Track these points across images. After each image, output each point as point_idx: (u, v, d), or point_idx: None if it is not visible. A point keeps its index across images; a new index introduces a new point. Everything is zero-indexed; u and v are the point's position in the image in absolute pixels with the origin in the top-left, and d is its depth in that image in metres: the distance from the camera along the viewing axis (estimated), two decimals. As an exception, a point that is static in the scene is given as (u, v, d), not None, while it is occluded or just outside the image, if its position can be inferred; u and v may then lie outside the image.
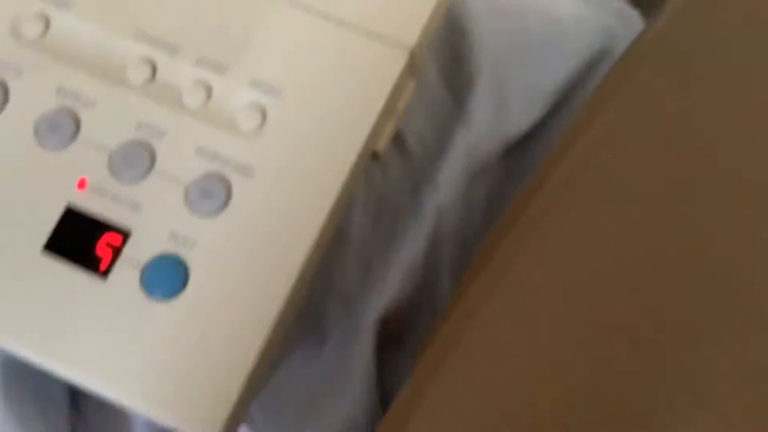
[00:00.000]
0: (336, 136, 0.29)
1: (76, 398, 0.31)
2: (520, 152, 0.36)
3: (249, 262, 0.28)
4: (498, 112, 0.36)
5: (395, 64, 0.29)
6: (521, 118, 0.36)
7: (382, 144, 0.31)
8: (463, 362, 0.26)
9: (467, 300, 0.28)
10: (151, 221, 0.28)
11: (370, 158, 0.31)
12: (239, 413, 0.27)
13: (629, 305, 0.26)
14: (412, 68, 0.30)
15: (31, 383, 0.30)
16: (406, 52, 0.29)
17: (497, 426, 0.24)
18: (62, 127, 0.28)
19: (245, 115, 0.29)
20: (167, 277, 0.27)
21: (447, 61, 0.37)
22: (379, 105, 0.29)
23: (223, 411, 0.26)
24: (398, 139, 0.35)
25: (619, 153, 0.30)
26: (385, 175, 0.35)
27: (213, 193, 0.28)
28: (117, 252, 0.28)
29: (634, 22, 0.42)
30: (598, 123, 0.31)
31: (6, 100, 0.29)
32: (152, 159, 0.28)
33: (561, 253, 0.28)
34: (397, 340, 0.33)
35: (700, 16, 0.32)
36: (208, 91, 0.29)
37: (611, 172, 0.29)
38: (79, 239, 0.28)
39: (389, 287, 0.33)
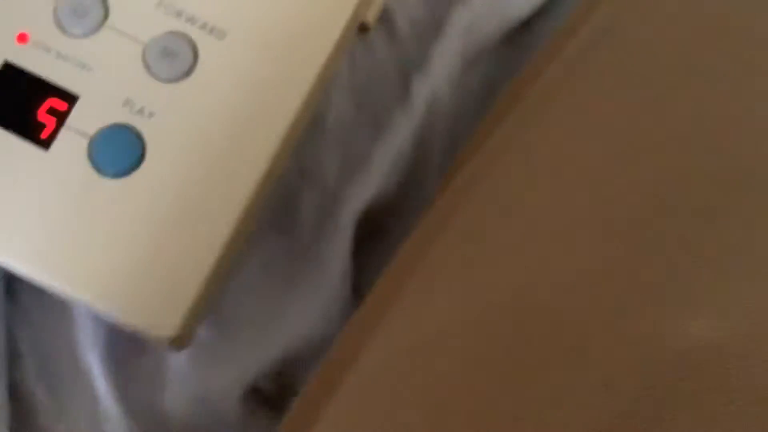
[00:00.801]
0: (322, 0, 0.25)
1: (12, 286, 0.27)
2: (518, 39, 0.33)
3: (215, 138, 0.24)
4: (499, -6, 0.32)
5: None
6: (519, 3, 0.33)
7: (372, 15, 0.27)
8: (446, 250, 0.22)
9: (457, 183, 0.25)
10: (103, 85, 0.24)
11: (358, 32, 0.27)
12: (199, 311, 0.24)
13: (633, 185, 0.22)
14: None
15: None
16: None
17: (482, 316, 0.21)
18: (-2, -31, 0.24)
19: (217, -35, 0.25)
20: (119, 150, 0.24)
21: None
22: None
23: (181, 307, 0.23)
24: (386, 18, 0.31)
25: (627, 33, 0.26)
26: (371, 57, 0.31)
27: (176, 54, 0.24)
28: (61, 119, 0.24)
29: None
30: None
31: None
32: (105, 10, 0.24)
33: (566, 134, 0.24)
34: (376, 236, 0.29)
35: None
36: (174, -65, 0.25)
37: (620, 52, 0.26)
38: (18, 102, 0.24)
39: (372, 180, 0.29)
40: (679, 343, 0.17)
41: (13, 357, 0.27)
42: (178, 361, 0.27)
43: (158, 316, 0.23)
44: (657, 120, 0.24)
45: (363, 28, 0.27)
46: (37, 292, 0.27)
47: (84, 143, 0.24)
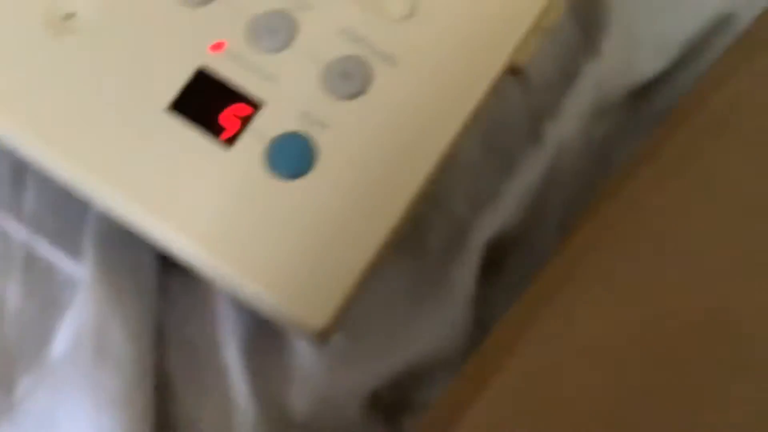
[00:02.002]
0: (485, 38, 0.27)
1: (164, 282, 0.30)
2: (644, 98, 0.35)
3: (380, 153, 0.26)
4: (628, 53, 0.34)
5: (556, -26, 0.28)
6: (649, 62, 0.35)
7: (524, 59, 0.29)
8: (576, 294, 0.24)
9: (588, 232, 0.27)
10: (285, 96, 0.26)
11: (509, 74, 0.29)
12: (345, 309, 0.26)
13: None
14: (568, -17, 0.29)
15: (124, 252, 0.29)
16: (570, -38, 0.28)
17: (633, 334, 0.22)
18: (202, -17, 0.27)
19: (395, 1, 0.27)
20: (294, 155, 0.26)
21: (579, -2, 0.35)
22: (532, 14, 0.28)
23: (333, 301, 0.25)
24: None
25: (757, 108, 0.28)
26: (502, 102, 0.33)
27: (352, 75, 0.26)
28: (245, 122, 0.26)
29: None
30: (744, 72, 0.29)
31: (145, -50, 0.27)
32: (294, 31, 0.27)
33: (698, 199, 0.26)
34: (499, 266, 0.31)
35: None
36: (360, -29, 0.27)
37: (752, 123, 0.28)
38: (208, 103, 0.26)
39: (500, 213, 0.31)
40: None
41: (159, 342, 0.29)
42: (307, 361, 0.29)
43: (313, 307, 0.25)
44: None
45: (513, 72, 0.29)
46: (185, 285, 0.30)
47: (263, 146, 0.26)
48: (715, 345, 0.22)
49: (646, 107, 0.35)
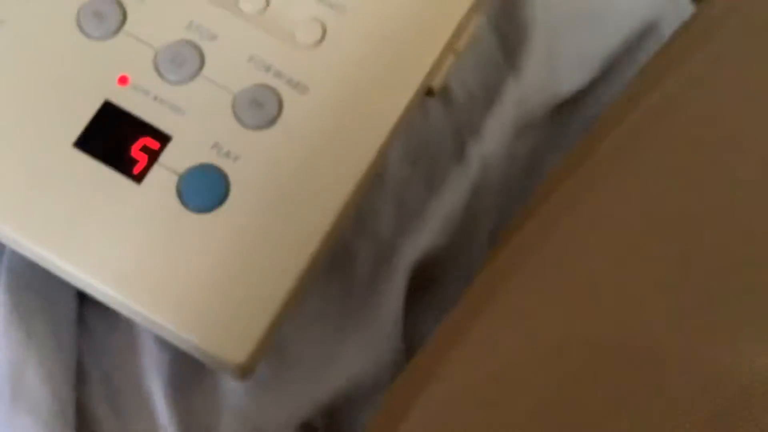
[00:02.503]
0: (397, 63, 0.27)
1: (84, 316, 0.29)
2: (567, 112, 0.35)
3: (293, 183, 0.26)
4: (549, 70, 0.35)
5: (467, -6, 0.28)
6: (571, 78, 0.35)
7: (440, 80, 0.29)
8: (512, 296, 0.24)
9: (508, 252, 0.27)
10: (194, 128, 0.26)
11: (425, 95, 0.29)
12: (267, 342, 0.25)
13: (696, 244, 0.24)
14: (478, 4, 0.29)
15: (39, 290, 0.28)
16: (480, -18, 0.28)
17: (552, 353, 0.22)
18: (107, 16, 0.26)
19: (304, 27, 0.27)
20: (206, 188, 0.26)
21: (499, 15, 0.35)
22: (445, 35, 0.28)
23: (252, 336, 0.25)
24: (443, 89, 0.33)
25: (673, 122, 0.29)
26: (427, 122, 0.33)
27: (263, 105, 0.26)
28: (154, 156, 0.26)
29: (680, 3, 0.41)
30: (654, 95, 0.30)
31: (49, -19, 0.27)
32: (201, 61, 0.26)
33: (612, 212, 0.27)
34: (428, 289, 0.31)
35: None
36: (267, -2, 0.27)
37: (664, 142, 0.28)
38: (115, 138, 0.26)
39: (427, 233, 0.31)
40: (744, 377, 0.19)
41: (80, 377, 0.28)
42: (234, 393, 0.29)
43: (231, 342, 0.25)
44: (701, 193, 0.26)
45: (429, 93, 0.29)
46: (105, 317, 0.29)
47: (174, 180, 0.26)
48: (618, 368, 0.22)
49: (569, 121, 0.35)
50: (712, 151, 0.27)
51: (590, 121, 0.32)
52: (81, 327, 0.29)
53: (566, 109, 0.35)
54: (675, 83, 0.30)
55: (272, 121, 0.26)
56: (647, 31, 0.39)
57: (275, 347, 0.29)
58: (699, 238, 0.25)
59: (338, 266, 0.30)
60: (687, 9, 0.41)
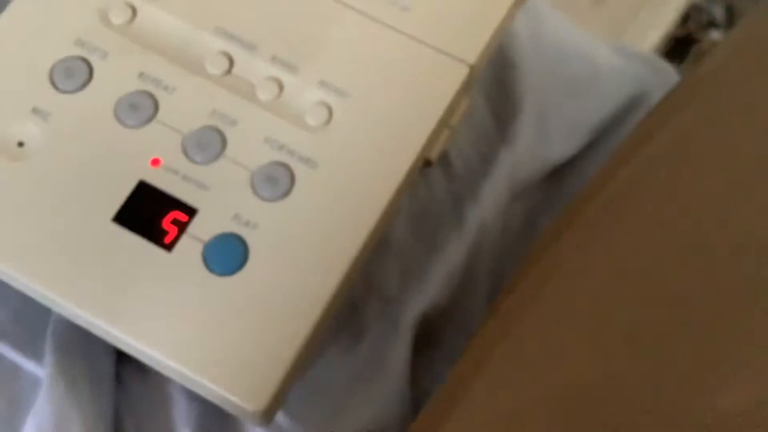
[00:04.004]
0: (395, 139, 0.31)
1: (120, 372, 0.32)
2: (557, 179, 0.38)
3: (306, 248, 0.29)
4: (540, 140, 0.38)
5: (456, 77, 0.31)
6: (561, 147, 0.38)
7: (435, 153, 0.32)
8: (510, 350, 0.27)
9: (508, 307, 0.30)
10: (217, 202, 0.30)
11: (423, 166, 0.32)
12: (284, 390, 0.28)
13: (657, 299, 0.27)
14: (469, 84, 0.32)
15: (81, 350, 0.31)
16: (467, 68, 0.31)
17: (546, 401, 0.25)
18: (141, 107, 0.30)
19: (313, 111, 0.31)
20: (228, 254, 0.29)
21: (493, 89, 0.39)
22: (437, 114, 0.31)
23: (270, 385, 0.28)
24: (443, 158, 0.37)
25: (655, 184, 0.32)
26: (429, 189, 0.37)
27: (277, 180, 0.30)
28: (182, 228, 0.29)
29: (667, 73, 0.45)
30: (640, 156, 0.33)
31: (90, 78, 0.31)
32: (223, 144, 0.30)
33: (591, 273, 0.30)
34: (431, 344, 0.34)
35: (740, 71, 0.35)
36: (280, 87, 0.31)
37: (653, 194, 0.31)
38: (148, 213, 0.29)
39: (429, 291, 0.34)
40: (708, 416, 0.22)
41: (117, 428, 0.32)
42: (256, 440, 0.32)
43: (252, 391, 0.28)
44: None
45: (426, 164, 0.33)
46: (140, 373, 0.32)
47: (200, 247, 0.29)
48: (599, 411, 0.25)
49: (560, 187, 0.38)
50: (688, 214, 0.30)
51: (581, 186, 0.36)
52: (117, 382, 0.32)
53: (558, 176, 0.39)
54: (656, 147, 0.33)
55: (286, 194, 0.30)
56: (635, 101, 0.42)
57: (291, 400, 0.32)
58: (666, 292, 0.28)
59: (347, 322, 0.33)
60: (675, 80, 0.45)
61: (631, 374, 0.26)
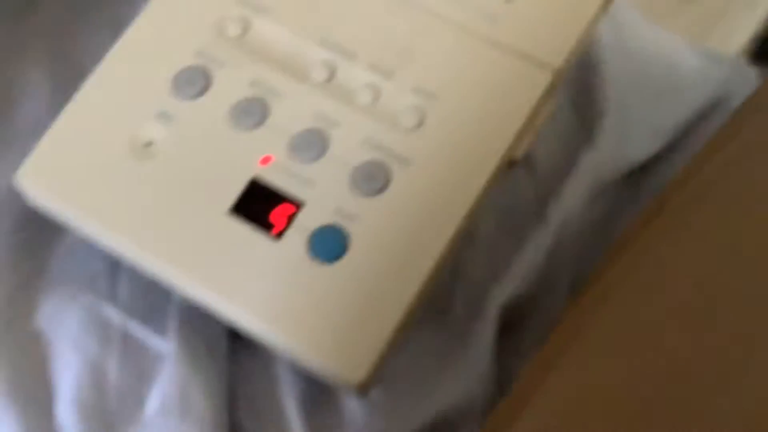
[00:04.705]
0: (482, 140, 0.33)
1: (233, 349, 0.36)
2: (638, 180, 0.40)
3: (400, 239, 0.32)
4: (622, 141, 0.40)
5: (540, 82, 0.34)
6: (642, 148, 0.40)
7: (520, 153, 0.35)
8: (579, 354, 0.30)
9: (588, 300, 0.32)
10: (321, 196, 0.33)
11: (508, 166, 0.35)
12: (381, 365, 0.31)
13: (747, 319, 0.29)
14: (552, 89, 0.35)
15: (201, 327, 0.35)
16: (551, 73, 0.34)
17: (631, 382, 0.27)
18: (253, 112, 0.34)
19: (406, 114, 0.34)
20: (331, 244, 0.32)
21: (577, 92, 0.41)
22: (522, 118, 0.34)
23: (369, 359, 0.31)
24: (528, 158, 0.39)
25: (734, 185, 0.33)
26: (514, 188, 0.39)
27: (375, 176, 0.33)
28: (290, 219, 0.33)
29: (750, 77, 0.46)
30: (730, 147, 0.34)
31: (209, 86, 0.34)
32: (326, 144, 0.33)
33: (689, 254, 0.31)
34: (515, 331, 0.37)
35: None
36: (377, 92, 0.34)
37: (738, 190, 0.33)
38: (260, 206, 0.33)
39: (513, 281, 0.37)
40: None
41: (231, 400, 0.35)
42: (354, 412, 0.35)
43: (352, 364, 0.31)
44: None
45: (511, 164, 0.35)
46: (251, 350, 0.36)
47: (305, 237, 0.32)
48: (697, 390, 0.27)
49: (641, 186, 0.40)
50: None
51: (660, 187, 0.38)
52: (232, 360, 0.36)
53: (637, 177, 0.41)
54: (735, 148, 0.34)
55: (383, 189, 0.33)
56: (717, 104, 0.44)
57: (386, 376, 0.35)
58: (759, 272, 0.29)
59: (437, 307, 0.36)
60: (755, 83, 0.46)
61: (717, 359, 0.28)
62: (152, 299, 0.36)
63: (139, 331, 0.35)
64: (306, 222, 0.33)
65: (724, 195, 0.33)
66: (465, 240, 0.36)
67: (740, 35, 0.81)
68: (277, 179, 0.33)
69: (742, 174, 0.33)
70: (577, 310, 0.33)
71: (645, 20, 0.46)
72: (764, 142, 0.34)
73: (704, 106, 0.43)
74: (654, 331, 0.29)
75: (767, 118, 0.35)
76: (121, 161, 0.34)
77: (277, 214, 0.33)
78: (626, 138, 0.40)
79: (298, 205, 0.33)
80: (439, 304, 0.36)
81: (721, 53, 0.50)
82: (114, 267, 0.36)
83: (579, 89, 0.41)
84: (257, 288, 0.32)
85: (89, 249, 0.35)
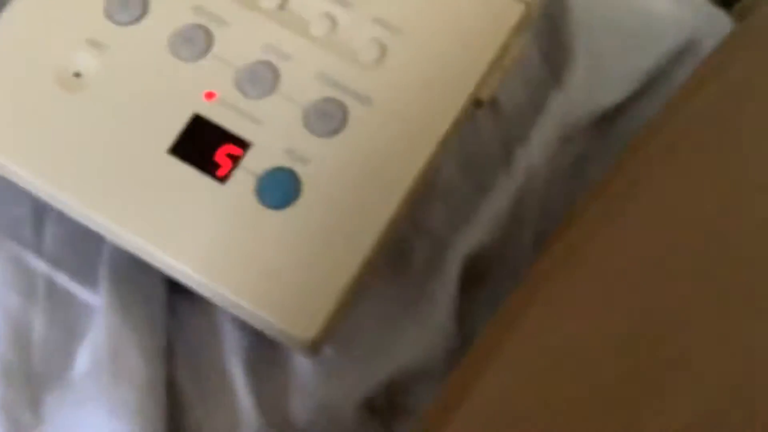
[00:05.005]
0: (448, 77, 0.31)
1: (172, 302, 0.33)
2: (607, 125, 0.38)
3: (357, 184, 0.29)
4: (591, 85, 0.38)
5: (511, 15, 0.31)
6: (612, 92, 0.38)
7: (487, 93, 0.32)
8: (558, 291, 0.27)
9: (555, 252, 0.30)
10: (270, 136, 0.30)
11: (474, 106, 0.32)
12: (333, 322, 0.29)
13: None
14: (524, 24, 0.32)
15: (135, 279, 0.32)
16: (523, 5, 0.31)
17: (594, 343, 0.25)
18: (196, 41, 0.30)
19: (366, 48, 0.31)
20: (281, 188, 0.29)
21: (546, 35, 0.39)
22: (491, 53, 0.31)
23: (320, 315, 0.28)
24: (493, 101, 0.37)
25: (708, 135, 0.31)
26: (477, 132, 0.37)
27: (330, 115, 0.30)
28: (236, 161, 0.30)
29: (720, 21, 0.44)
30: (697, 100, 0.33)
31: (145, 11, 0.31)
32: (276, 79, 0.30)
33: (649, 225, 0.29)
34: (478, 283, 0.34)
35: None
36: (333, 23, 0.31)
37: (708, 144, 0.31)
38: (203, 146, 0.30)
39: (476, 231, 0.34)
40: None
41: (169, 355, 0.32)
42: (304, 372, 0.32)
43: (303, 320, 0.28)
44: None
45: (477, 104, 0.32)
46: (191, 304, 0.33)
47: (252, 181, 0.29)
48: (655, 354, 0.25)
49: (610, 133, 0.38)
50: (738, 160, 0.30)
51: (631, 133, 0.35)
52: (170, 312, 0.33)
53: (607, 121, 0.38)
54: (708, 97, 0.32)
55: (338, 130, 0.30)
56: (688, 48, 0.42)
57: (339, 334, 0.33)
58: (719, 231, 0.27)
59: (395, 260, 0.34)
60: (727, 27, 0.44)
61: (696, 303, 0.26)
62: (81, 247, 0.32)
63: (67, 282, 0.32)
64: (254, 164, 0.30)
65: (688, 152, 0.31)
66: (426, 188, 0.34)
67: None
68: (222, 116, 0.30)
69: (706, 132, 0.31)
70: (540, 267, 0.31)
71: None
72: (727, 99, 0.32)
73: (675, 50, 0.41)
74: (615, 292, 0.27)
75: (731, 75, 0.33)
76: (46, 94, 0.30)
77: (221, 155, 0.30)
78: (596, 83, 0.38)
79: (245, 146, 0.30)
80: (398, 257, 0.34)
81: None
82: (39, 211, 0.33)
83: (547, 31, 0.39)
84: (199, 236, 0.29)
85: (11, 191, 0.31)
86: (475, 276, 0.35)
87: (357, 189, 0.29)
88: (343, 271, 0.29)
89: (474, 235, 0.34)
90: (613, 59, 0.39)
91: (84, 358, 0.31)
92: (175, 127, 0.30)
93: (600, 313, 0.27)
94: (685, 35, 0.42)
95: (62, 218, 0.32)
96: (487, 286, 0.35)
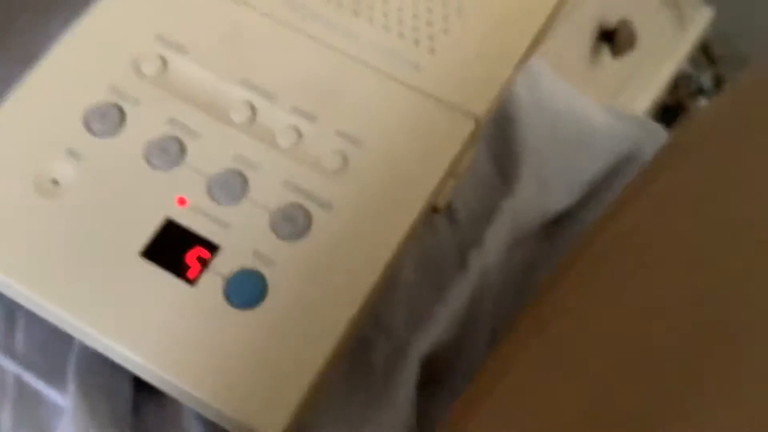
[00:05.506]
0: (406, 186, 0.33)
1: (137, 401, 0.34)
2: (555, 229, 0.40)
3: (321, 285, 0.31)
4: (539, 191, 0.40)
5: (463, 130, 0.34)
6: (559, 198, 0.41)
7: (443, 200, 0.35)
8: (494, 408, 0.29)
9: (503, 354, 0.32)
10: (239, 239, 0.32)
11: (431, 212, 0.35)
12: (298, 418, 0.30)
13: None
14: (475, 136, 0.34)
15: (102, 379, 0.33)
16: (473, 121, 0.34)
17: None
18: (170, 151, 0.32)
19: (329, 158, 0.33)
20: (248, 289, 0.31)
21: (496, 143, 0.41)
22: (445, 164, 0.33)
23: (285, 412, 0.29)
24: (448, 206, 0.39)
25: (656, 224, 0.34)
26: (435, 236, 0.39)
27: (295, 220, 0.32)
28: (205, 263, 0.31)
29: (658, 134, 0.47)
30: (639, 202, 0.35)
31: (122, 124, 0.33)
32: (245, 186, 0.32)
33: (595, 317, 0.31)
34: (436, 380, 0.36)
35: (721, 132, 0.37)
36: (299, 135, 0.33)
37: (647, 242, 0.33)
38: (174, 249, 0.31)
39: (433, 330, 0.36)
40: None
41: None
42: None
43: (268, 417, 0.29)
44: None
45: (434, 210, 0.35)
46: (156, 406, 0.34)
47: (221, 282, 0.31)
48: None
49: (558, 236, 0.41)
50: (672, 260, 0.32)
51: (576, 236, 0.38)
52: (135, 411, 0.34)
53: (555, 226, 0.41)
54: (637, 209, 0.35)
55: (303, 233, 0.32)
56: (628, 158, 0.45)
57: (304, 428, 0.34)
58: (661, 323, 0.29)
59: (358, 357, 0.35)
60: (664, 140, 0.47)
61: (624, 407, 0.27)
62: (51, 350, 0.33)
63: (36, 382, 0.33)
64: (222, 266, 0.31)
65: (624, 256, 0.33)
66: (387, 288, 0.36)
67: (643, 100, 0.83)
68: (192, 221, 0.32)
69: (639, 239, 0.33)
70: (495, 359, 0.32)
71: (558, 78, 0.47)
72: (657, 210, 0.34)
73: (616, 159, 0.44)
74: (562, 383, 0.29)
75: (665, 183, 0.35)
76: (25, 200, 0.32)
77: (192, 258, 0.31)
78: (544, 188, 0.41)
79: (213, 249, 0.31)
80: (360, 355, 0.35)
81: (630, 113, 0.51)
82: (10, 314, 0.34)
83: (497, 140, 0.42)
84: (169, 336, 0.30)
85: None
86: (433, 373, 0.36)
87: (321, 289, 0.31)
88: (308, 368, 0.30)
89: (432, 334, 0.36)
90: (557, 168, 0.42)
91: (51, 458, 0.32)
92: (147, 231, 0.31)
93: (541, 408, 0.29)
94: (626, 147, 0.45)
95: (33, 321, 0.33)
96: (445, 382, 0.37)
